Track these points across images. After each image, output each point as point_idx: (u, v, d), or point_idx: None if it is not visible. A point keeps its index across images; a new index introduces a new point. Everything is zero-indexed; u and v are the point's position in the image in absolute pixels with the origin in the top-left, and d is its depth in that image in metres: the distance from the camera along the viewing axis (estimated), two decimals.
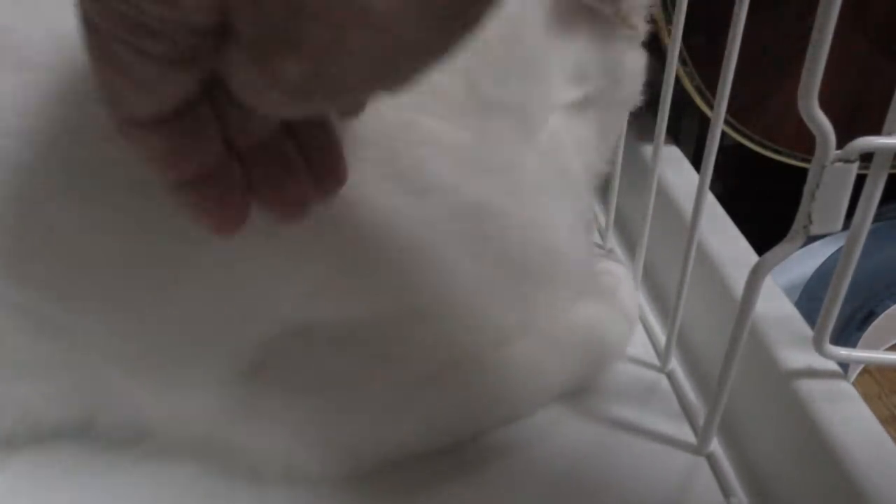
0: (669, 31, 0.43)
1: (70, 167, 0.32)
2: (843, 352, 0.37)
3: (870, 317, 0.63)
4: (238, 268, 0.33)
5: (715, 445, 0.39)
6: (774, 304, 0.41)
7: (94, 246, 0.33)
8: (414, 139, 0.35)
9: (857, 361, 0.58)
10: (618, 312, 0.44)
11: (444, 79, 0.35)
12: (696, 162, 0.53)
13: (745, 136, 0.58)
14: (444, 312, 0.37)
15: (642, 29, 0.42)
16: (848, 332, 0.63)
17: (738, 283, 0.34)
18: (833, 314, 0.34)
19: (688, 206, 0.41)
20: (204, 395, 0.35)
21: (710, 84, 0.54)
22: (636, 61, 0.43)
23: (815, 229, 0.30)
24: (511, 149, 0.38)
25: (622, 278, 0.46)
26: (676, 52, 0.40)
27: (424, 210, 0.35)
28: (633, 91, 0.43)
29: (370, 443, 0.37)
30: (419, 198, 0.35)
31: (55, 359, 0.35)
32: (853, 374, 0.66)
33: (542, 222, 0.39)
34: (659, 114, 0.42)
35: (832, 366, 0.37)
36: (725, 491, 0.37)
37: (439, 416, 0.38)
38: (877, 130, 0.29)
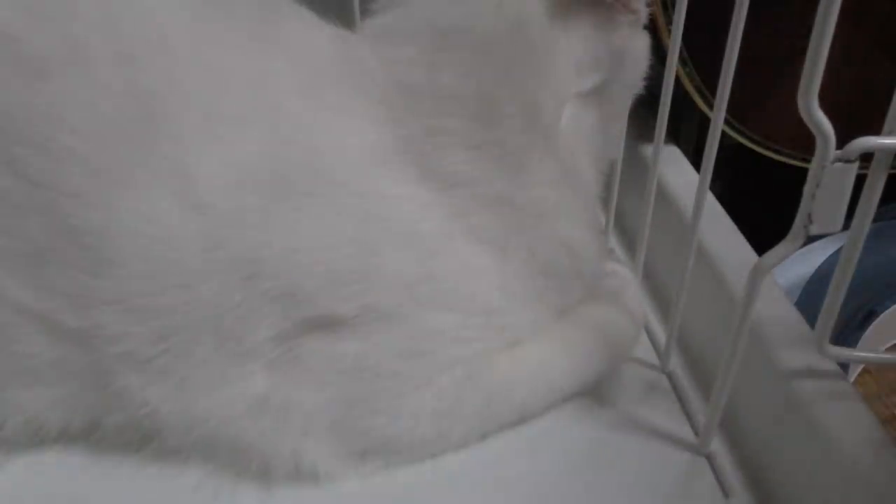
0: (669, 31, 0.43)
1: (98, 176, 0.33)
2: (844, 352, 0.37)
3: (870, 317, 0.63)
4: (252, 260, 0.34)
5: (715, 445, 0.39)
6: (774, 304, 0.41)
7: (113, 248, 0.33)
8: (438, 141, 0.37)
9: (857, 361, 0.58)
10: (625, 313, 0.44)
11: (455, 82, 0.36)
12: (696, 162, 0.53)
13: (745, 136, 0.58)
14: (461, 307, 0.37)
15: (643, 12, 0.42)
16: (848, 332, 0.63)
17: (738, 283, 0.34)
18: (833, 314, 0.34)
19: (688, 206, 0.41)
20: (217, 392, 0.35)
21: (710, 84, 0.54)
22: (640, 45, 0.43)
23: (815, 229, 0.30)
24: (526, 144, 0.38)
25: (628, 280, 0.46)
26: (676, 52, 0.40)
27: (451, 202, 0.37)
28: (637, 75, 0.43)
29: (379, 441, 0.37)
30: (445, 191, 0.37)
31: (66, 363, 0.35)
32: (853, 374, 0.66)
33: (561, 218, 0.39)
34: (659, 114, 0.42)
35: (832, 366, 0.37)
36: (725, 491, 0.37)
37: (450, 416, 0.38)
38: (877, 130, 0.29)
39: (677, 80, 0.47)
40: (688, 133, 0.60)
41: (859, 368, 0.66)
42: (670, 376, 0.44)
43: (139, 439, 0.37)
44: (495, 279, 0.38)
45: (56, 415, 0.37)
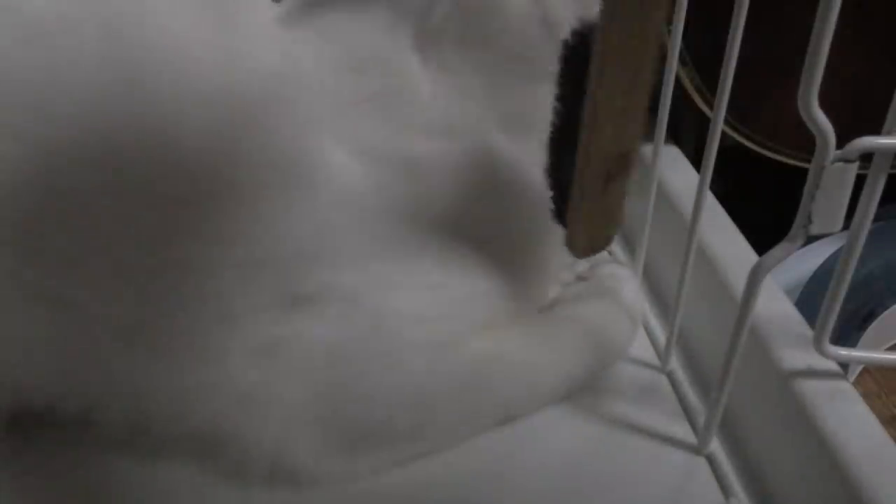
0: (669, 31, 0.43)
1: (86, 139, 0.33)
2: (843, 352, 0.37)
3: (870, 317, 0.63)
4: (253, 241, 0.35)
5: (715, 445, 0.39)
6: (774, 304, 0.41)
7: (114, 216, 0.33)
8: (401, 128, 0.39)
9: (857, 361, 0.58)
10: (621, 312, 0.44)
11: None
12: (696, 162, 0.53)
13: (745, 136, 0.58)
14: (420, 285, 0.38)
15: None
16: (848, 332, 0.63)
17: (738, 283, 0.34)
18: (833, 314, 0.34)
19: (688, 206, 0.41)
20: (202, 374, 0.36)
21: (710, 84, 0.54)
22: None
23: (815, 229, 0.30)
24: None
25: (626, 280, 0.47)
26: (676, 53, 0.40)
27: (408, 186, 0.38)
28: None
29: (359, 431, 0.37)
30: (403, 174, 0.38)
31: (62, 338, 0.35)
32: (853, 374, 0.66)
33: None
34: (659, 114, 0.42)
35: (832, 366, 0.37)
36: (725, 491, 0.37)
37: (426, 404, 0.38)
38: (877, 130, 0.29)
39: (677, 80, 0.47)
40: (688, 133, 0.60)
41: (859, 368, 0.66)
42: (670, 376, 0.44)
43: (128, 429, 0.37)
44: (452, 258, 0.39)
45: (48, 395, 0.37)
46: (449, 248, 0.39)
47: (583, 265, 0.49)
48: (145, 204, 0.33)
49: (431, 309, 0.38)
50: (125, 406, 0.36)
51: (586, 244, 0.32)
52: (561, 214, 0.38)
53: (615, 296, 0.45)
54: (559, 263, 0.47)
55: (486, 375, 0.40)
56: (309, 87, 0.38)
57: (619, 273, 0.47)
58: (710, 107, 0.54)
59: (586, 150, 0.29)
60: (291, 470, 0.37)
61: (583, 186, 0.30)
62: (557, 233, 0.46)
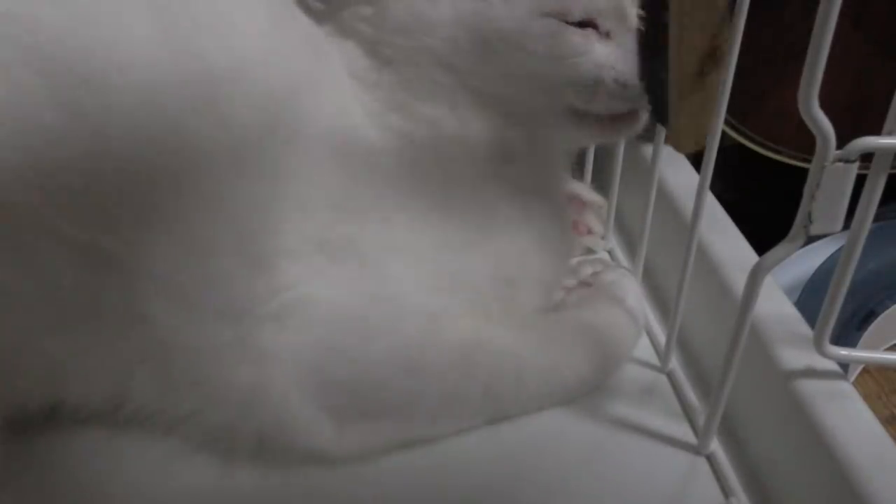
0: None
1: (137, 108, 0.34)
2: (843, 352, 0.37)
3: (870, 317, 0.63)
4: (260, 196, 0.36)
5: (715, 445, 0.39)
6: (774, 304, 0.41)
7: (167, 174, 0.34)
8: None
9: (857, 361, 0.58)
10: (625, 322, 0.44)
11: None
12: (696, 162, 0.53)
13: (745, 136, 0.58)
14: (418, 256, 0.39)
15: None
16: (848, 332, 0.63)
17: (738, 283, 0.34)
18: (833, 314, 0.34)
19: (688, 206, 0.41)
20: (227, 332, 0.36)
21: None
22: None
23: (815, 229, 0.30)
24: None
25: (630, 289, 0.46)
26: (676, 53, 0.40)
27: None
28: None
29: (352, 397, 0.37)
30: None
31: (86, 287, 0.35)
32: (853, 374, 0.66)
33: None
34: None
35: (832, 366, 0.37)
36: (725, 491, 0.37)
37: (418, 374, 0.38)
38: (877, 130, 0.29)
39: None
40: None
41: (859, 368, 0.66)
42: (670, 376, 0.44)
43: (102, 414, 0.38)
44: (455, 234, 0.40)
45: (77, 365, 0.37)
46: (453, 225, 0.40)
47: (586, 270, 0.49)
48: (196, 164, 0.34)
49: (431, 279, 0.39)
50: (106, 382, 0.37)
51: (691, 139, 0.34)
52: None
53: (620, 305, 0.45)
54: (561, 265, 0.47)
55: (472, 358, 0.39)
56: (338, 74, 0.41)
57: (623, 282, 0.47)
58: None
59: (677, 51, 0.31)
60: (278, 439, 0.37)
61: (680, 86, 0.32)
62: (560, 232, 0.46)
